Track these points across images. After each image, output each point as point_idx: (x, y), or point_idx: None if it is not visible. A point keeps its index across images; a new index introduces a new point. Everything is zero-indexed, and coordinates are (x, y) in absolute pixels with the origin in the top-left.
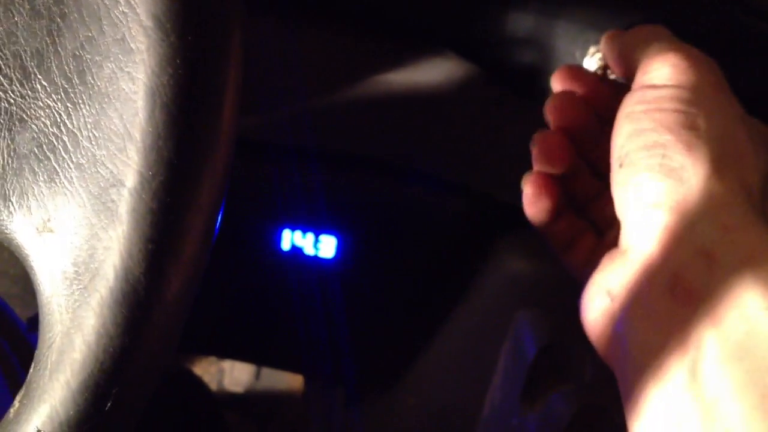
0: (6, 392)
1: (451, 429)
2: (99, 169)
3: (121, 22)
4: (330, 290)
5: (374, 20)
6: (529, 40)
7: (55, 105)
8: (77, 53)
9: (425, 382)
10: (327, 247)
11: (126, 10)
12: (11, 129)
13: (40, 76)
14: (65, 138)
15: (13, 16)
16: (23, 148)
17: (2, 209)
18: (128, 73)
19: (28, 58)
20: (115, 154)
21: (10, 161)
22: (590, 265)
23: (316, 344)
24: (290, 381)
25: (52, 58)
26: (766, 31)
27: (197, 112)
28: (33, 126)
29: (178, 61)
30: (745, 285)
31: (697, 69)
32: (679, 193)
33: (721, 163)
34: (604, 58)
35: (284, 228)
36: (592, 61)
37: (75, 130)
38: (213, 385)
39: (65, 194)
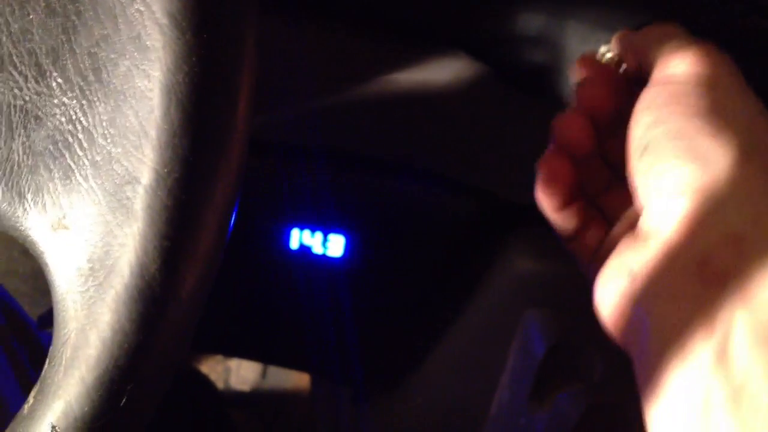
0: (16, 389)
1: (458, 428)
2: (114, 167)
3: (136, 19)
4: (338, 289)
5: (384, 20)
6: (540, 40)
7: (71, 102)
8: (93, 51)
9: (433, 381)
10: (335, 246)
11: (141, 8)
12: (27, 126)
13: (55, 74)
14: (80, 135)
15: (29, 14)
16: (38, 145)
17: (17, 206)
18: (144, 70)
19: (43, 56)
20: (130, 152)
21: (25, 158)
22: (599, 255)
23: (323, 343)
24: (297, 380)
25: (67, 55)
26: None
27: (212, 110)
28: (48, 123)
29: (193, 58)
30: None
31: (717, 64)
32: (705, 178)
33: (748, 148)
34: (615, 57)
35: (293, 227)
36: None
37: (90, 128)
38: (219, 384)
39: (80, 191)
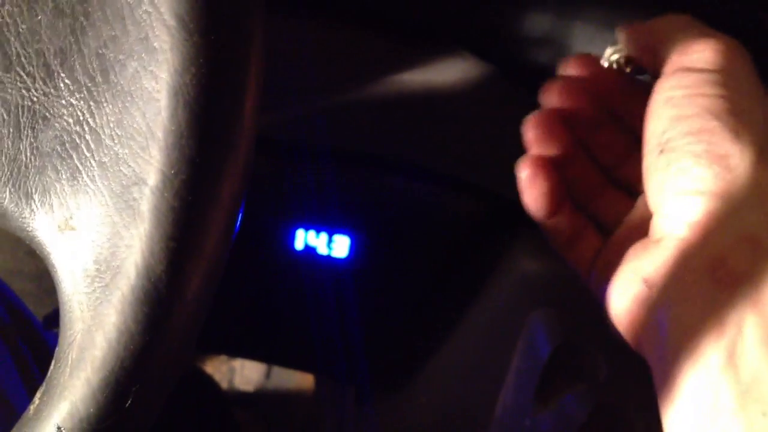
0: (21, 389)
1: (463, 429)
2: (121, 168)
3: (144, 21)
4: (342, 290)
5: (390, 19)
6: (546, 40)
7: (78, 103)
8: (100, 52)
9: (437, 381)
10: (340, 246)
11: (149, 9)
12: (34, 127)
13: (63, 75)
14: (88, 136)
15: (37, 15)
16: (46, 146)
17: (24, 207)
18: (151, 72)
19: (51, 57)
20: (137, 153)
21: (32, 159)
22: (597, 264)
23: (328, 344)
24: (301, 380)
25: (75, 56)
26: None
27: (220, 112)
28: (56, 124)
29: (201, 60)
30: None
31: (736, 55)
32: (724, 180)
33: (765, 149)
34: (621, 58)
35: (298, 227)
36: (608, 62)
37: (98, 129)
38: (224, 384)
39: (87, 192)
